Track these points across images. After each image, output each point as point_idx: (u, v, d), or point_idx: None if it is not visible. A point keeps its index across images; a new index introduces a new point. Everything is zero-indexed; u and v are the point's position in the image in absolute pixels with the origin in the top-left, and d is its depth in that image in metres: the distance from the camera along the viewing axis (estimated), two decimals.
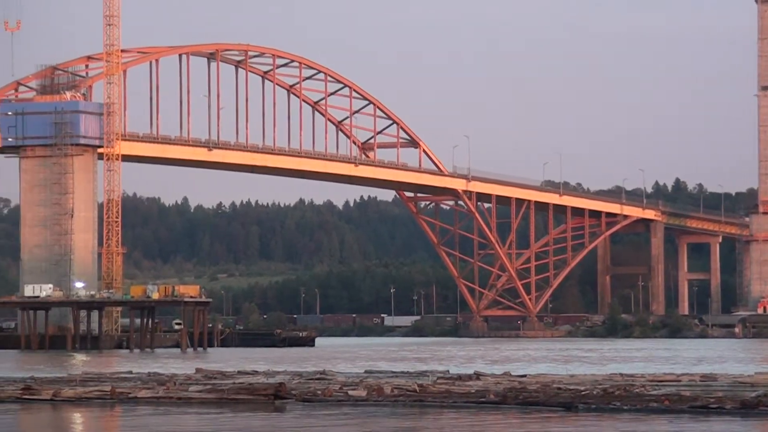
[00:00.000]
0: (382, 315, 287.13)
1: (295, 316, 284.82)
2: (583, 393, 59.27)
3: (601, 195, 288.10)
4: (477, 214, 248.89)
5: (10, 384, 68.09)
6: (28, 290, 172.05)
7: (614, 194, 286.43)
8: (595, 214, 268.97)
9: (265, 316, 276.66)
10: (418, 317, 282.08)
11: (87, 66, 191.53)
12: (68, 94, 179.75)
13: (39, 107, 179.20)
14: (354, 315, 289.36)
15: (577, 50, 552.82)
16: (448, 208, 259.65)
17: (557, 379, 69.27)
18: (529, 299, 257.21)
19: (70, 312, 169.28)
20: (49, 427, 53.21)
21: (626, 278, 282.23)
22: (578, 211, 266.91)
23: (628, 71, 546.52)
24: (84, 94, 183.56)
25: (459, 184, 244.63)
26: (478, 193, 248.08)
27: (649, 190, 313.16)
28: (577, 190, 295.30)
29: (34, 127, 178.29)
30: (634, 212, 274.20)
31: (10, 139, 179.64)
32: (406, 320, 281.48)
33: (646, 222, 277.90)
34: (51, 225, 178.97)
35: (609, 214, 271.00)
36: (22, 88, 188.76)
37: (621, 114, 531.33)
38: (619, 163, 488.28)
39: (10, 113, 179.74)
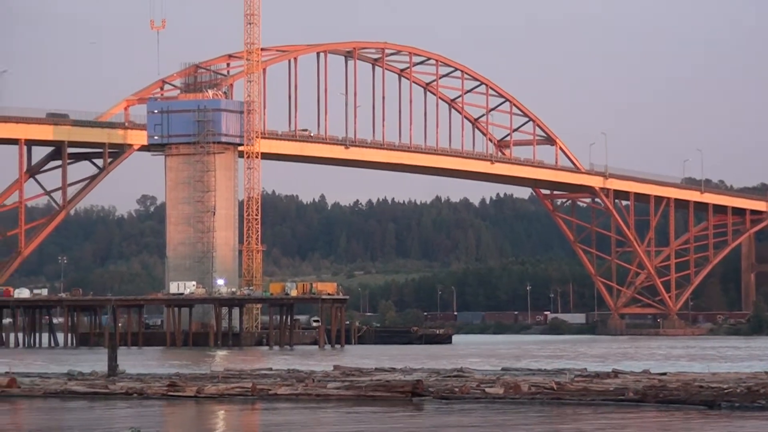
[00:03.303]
0: (545, 312, 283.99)
1: (455, 313, 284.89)
2: (726, 391, 58.19)
3: (745, 192, 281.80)
4: (614, 212, 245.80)
5: (156, 381, 69.90)
6: (173, 287, 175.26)
7: (759, 191, 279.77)
8: (739, 211, 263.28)
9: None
10: (586, 314, 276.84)
11: (228, 64, 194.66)
12: (210, 93, 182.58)
13: (183, 105, 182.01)
14: (515, 312, 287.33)
15: (718, 48, 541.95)
16: (584, 205, 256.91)
17: (699, 377, 68.14)
18: (669, 297, 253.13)
19: (212, 309, 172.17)
20: (193, 422, 54.40)
21: None
22: (720, 209, 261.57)
23: None
24: (225, 93, 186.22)
25: (596, 182, 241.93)
26: (615, 191, 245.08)
27: None
28: (719, 188, 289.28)
29: (178, 125, 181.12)
30: None
31: (156, 137, 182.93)
32: (577, 317, 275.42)
33: None
34: (194, 223, 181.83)
35: (754, 212, 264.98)
36: (166, 86, 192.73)
37: (765, 109, 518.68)
38: (765, 159, 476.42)
39: (156, 111, 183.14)
